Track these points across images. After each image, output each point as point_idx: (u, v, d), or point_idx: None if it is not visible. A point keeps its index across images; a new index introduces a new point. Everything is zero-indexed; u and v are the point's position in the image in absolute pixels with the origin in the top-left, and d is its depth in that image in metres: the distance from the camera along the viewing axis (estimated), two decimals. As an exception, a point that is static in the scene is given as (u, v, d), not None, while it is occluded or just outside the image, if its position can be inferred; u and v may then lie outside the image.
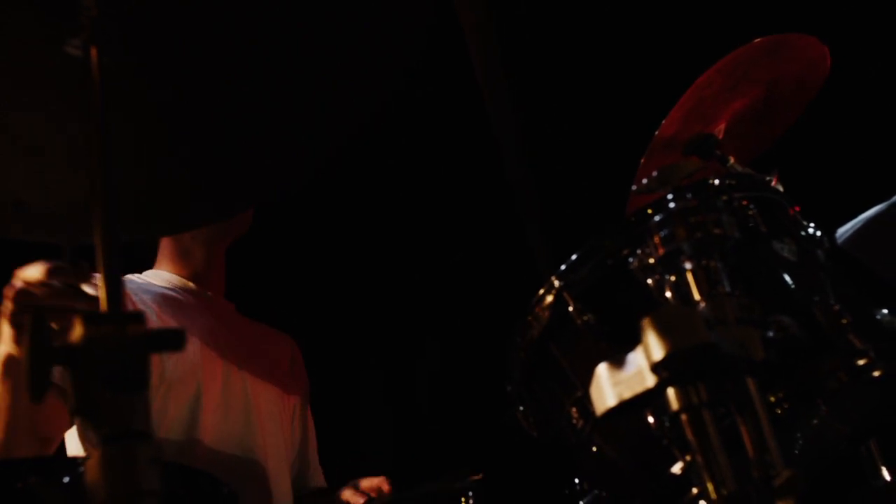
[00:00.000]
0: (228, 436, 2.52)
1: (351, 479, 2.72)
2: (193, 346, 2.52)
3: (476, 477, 2.10)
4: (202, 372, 2.50)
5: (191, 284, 2.74)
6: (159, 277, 2.74)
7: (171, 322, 2.52)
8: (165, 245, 2.79)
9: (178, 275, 2.74)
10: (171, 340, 0.94)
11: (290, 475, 2.70)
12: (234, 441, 2.53)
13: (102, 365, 0.91)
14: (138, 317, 0.94)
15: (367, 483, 2.63)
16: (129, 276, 2.74)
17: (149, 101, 1.38)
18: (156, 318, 2.53)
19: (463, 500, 2.07)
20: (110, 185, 1.05)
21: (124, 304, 2.47)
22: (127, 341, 0.92)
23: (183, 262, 2.76)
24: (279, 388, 2.74)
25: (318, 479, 2.84)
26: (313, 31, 1.40)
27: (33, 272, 1.81)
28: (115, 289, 0.98)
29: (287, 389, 2.77)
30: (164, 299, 2.63)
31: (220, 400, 2.52)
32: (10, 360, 1.92)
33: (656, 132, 2.29)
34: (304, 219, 3.86)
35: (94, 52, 1.17)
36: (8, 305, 1.84)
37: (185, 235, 2.74)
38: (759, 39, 2.24)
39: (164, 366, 2.42)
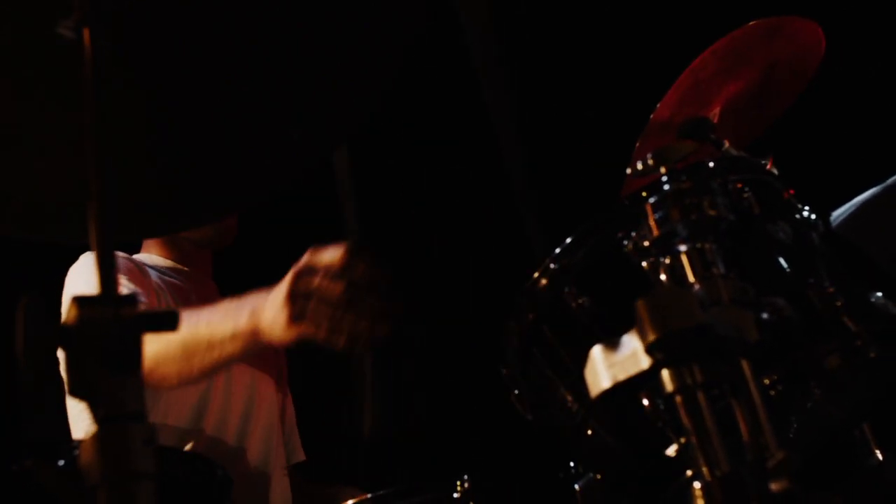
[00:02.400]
0: (230, 423, 2.54)
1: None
2: None
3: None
4: None
5: (184, 268, 2.75)
6: (152, 261, 2.75)
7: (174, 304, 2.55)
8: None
9: (169, 259, 2.77)
10: (165, 322, 0.94)
11: (284, 457, 2.71)
12: (234, 427, 2.55)
13: (97, 346, 0.91)
14: (131, 299, 0.94)
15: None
16: (134, 256, 2.75)
17: (139, 100, 1.37)
18: (169, 299, 2.55)
19: (458, 483, 2.07)
20: (104, 167, 1.05)
21: (144, 279, 2.48)
22: (120, 323, 0.92)
23: (169, 250, 2.79)
24: (275, 372, 2.78)
25: (298, 453, 2.86)
26: (309, 30, 1.39)
27: (326, 262, 1.83)
28: (109, 271, 0.98)
29: (279, 373, 2.82)
30: (169, 283, 2.65)
31: (224, 387, 2.54)
32: (261, 338, 1.94)
33: (652, 115, 2.28)
34: (296, 207, 3.85)
35: (86, 33, 1.16)
36: (290, 289, 1.85)
37: (176, 235, 2.77)
38: (755, 22, 2.24)
39: None
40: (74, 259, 2.51)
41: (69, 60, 1.17)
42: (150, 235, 2.60)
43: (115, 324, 0.92)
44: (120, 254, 2.69)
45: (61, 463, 1.35)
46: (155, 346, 2.05)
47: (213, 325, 2.09)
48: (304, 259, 1.90)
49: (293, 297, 1.88)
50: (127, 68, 1.32)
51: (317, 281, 1.86)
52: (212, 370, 2.17)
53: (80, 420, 2.43)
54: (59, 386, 0.95)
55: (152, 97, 1.38)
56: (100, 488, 0.90)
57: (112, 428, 0.92)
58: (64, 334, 0.91)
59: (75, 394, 0.91)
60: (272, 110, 1.44)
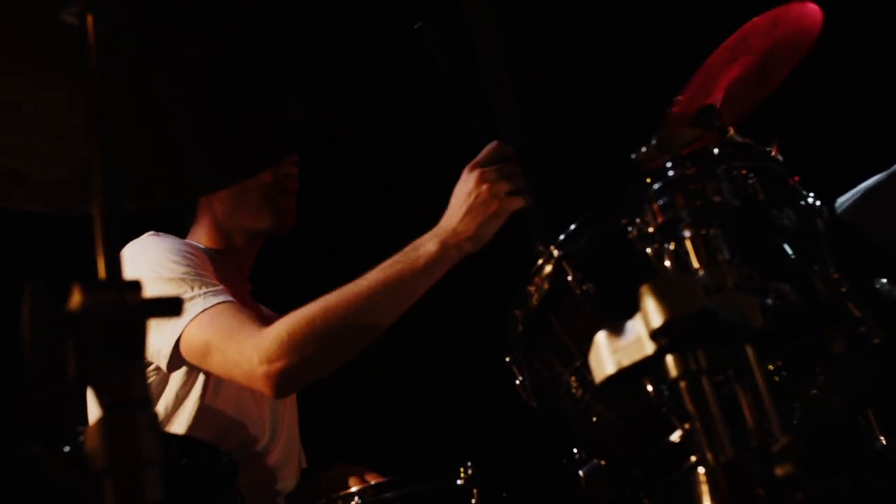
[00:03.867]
0: (239, 413, 2.54)
1: (338, 462, 2.75)
2: None
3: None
4: None
5: (220, 257, 2.73)
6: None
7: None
8: (205, 221, 2.77)
9: (213, 248, 2.73)
10: (169, 308, 0.94)
11: (297, 456, 2.72)
12: (242, 418, 2.55)
13: (101, 332, 0.91)
14: (136, 285, 0.94)
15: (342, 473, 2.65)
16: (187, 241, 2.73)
17: (147, 68, 1.37)
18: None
19: (462, 470, 2.08)
20: (108, 153, 1.05)
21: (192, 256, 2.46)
22: (125, 308, 0.92)
23: (219, 238, 2.76)
24: None
25: (302, 458, 2.87)
26: (308, 12, 1.40)
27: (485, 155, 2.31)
28: (114, 256, 0.98)
29: None
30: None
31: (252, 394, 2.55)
32: (454, 249, 2.30)
33: (672, 108, 2.27)
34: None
35: (90, 19, 1.16)
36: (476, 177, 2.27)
37: (228, 221, 2.73)
38: (757, 18, 2.23)
39: None
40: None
41: (77, 42, 1.17)
42: (161, 203, 2.56)
43: (119, 309, 0.92)
44: (180, 240, 2.67)
45: (66, 449, 1.35)
46: (339, 317, 2.23)
47: (399, 270, 2.29)
48: (473, 163, 2.32)
49: (479, 181, 2.27)
50: (132, 41, 1.32)
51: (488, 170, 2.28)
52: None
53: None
54: (65, 372, 0.95)
55: (158, 66, 1.38)
56: (105, 475, 0.90)
57: (117, 414, 0.92)
58: (69, 320, 0.91)
59: (80, 380, 0.91)
60: (272, 88, 1.45)
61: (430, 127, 4.11)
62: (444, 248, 2.29)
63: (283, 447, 2.66)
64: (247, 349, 2.24)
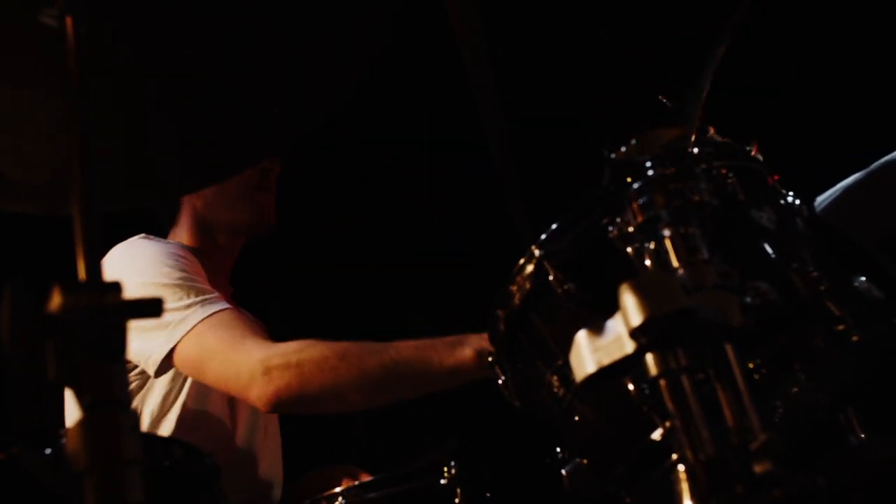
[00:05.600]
0: (208, 418, 2.53)
1: (327, 464, 2.75)
2: None
3: (456, 447, 2.12)
4: None
5: (205, 259, 2.73)
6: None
7: None
8: (186, 218, 2.77)
9: (195, 247, 2.72)
10: (149, 308, 0.94)
11: (280, 464, 2.71)
12: (214, 421, 2.54)
13: (81, 333, 0.91)
14: (116, 286, 0.94)
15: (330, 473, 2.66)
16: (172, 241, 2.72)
17: (129, 68, 1.37)
18: None
19: (446, 469, 2.08)
20: (88, 154, 1.05)
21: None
22: (105, 310, 0.92)
23: (200, 238, 2.75)
24: None
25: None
26: (291, 13, 1.40)
27: None
28: (94, 258, 0.98)
29: None
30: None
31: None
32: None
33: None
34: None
35: (69, 21, 1.16)
36: None
37: (209, 216, 2.73)
38: None
39: None
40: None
41: (57, 44, 1.17)
42: (144, 202, 2.56)
43: (100, 311, 0.92)
44: (172, 243, 2.67)
45: (48, 451, 1.35)
46: (352, 371, 2.19)
47: (428, 357, 2.22)
48: None
49: None
50: (111, 41, 1.32)
51: None
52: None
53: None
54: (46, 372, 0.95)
55: (139, 65, 1.38)
56: (87, 475, 0.90)
57: (98, 415, 0.92)
58: (49, 321, 0.91)
59: (61, 381, 0.91)
60: (255, 88, 1.45)
61: (413, 130, 4.11)
62: (480, 358, 2.21)
63: (268, 455, 2.65)
64: (251, 360, 2.23)
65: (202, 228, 2.75)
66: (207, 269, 2.64)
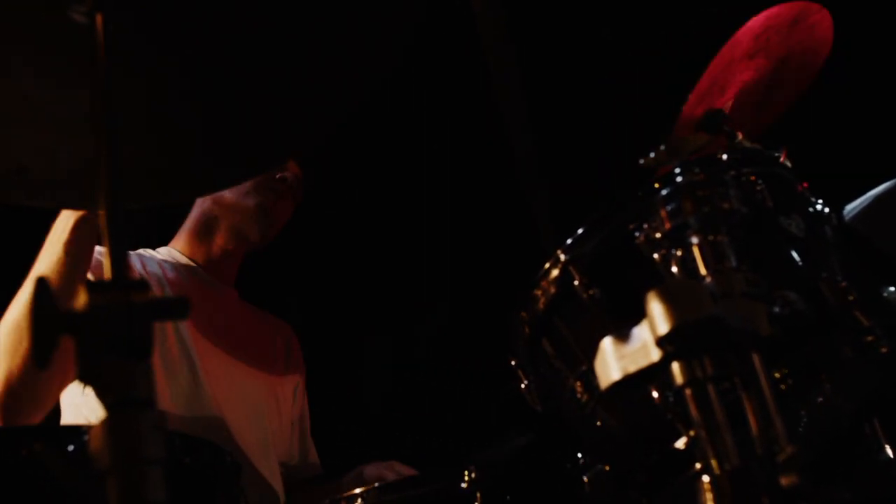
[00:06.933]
0: (197, 416, 2.53)
1: (358, 465, 2.74)
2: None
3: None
4: (194, 353, 2.52)
5: (194, 265, 2.74)
6: (170, 256, 2.76)
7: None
8: (191, 222, 2.79)
9: (190, 256, 2.75)
10: (175, 309, 0.93)
11: (274, 462, 2.69)
12: (202, 421, 2.53)
13: (107, 332, 0.91)
14: (142, 284, 0.94)
15: (374, 470, 2.65)
16: (139, 251, 2.75)
17: (157, 66, 1.37)
18: (169, 293, 2.55)
19: (466, 473, 2.07)
20: (114, 152, 1.05)
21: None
22: (131, 309, 0.92)
23: (200, 244, 2.77)
24: (267, 374, 2.76)
25: (312, 454, 2.87)
26: (314, 13, 1.40)
27: None
28: (120, 256, 0.98)
29: (279, 376, 2.81)
30: (170, 278, 2.65)
31: (192, 381, 2.53)
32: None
33: (683, 107, 2.25)
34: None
35: (99, 18, 1.16)
36: None
37: (218, 221, 2.74)
38: (779, 7, 2.21)
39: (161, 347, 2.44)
40: None
41: (84, 37, 1.17)
42: (172, 200, 2.56)
43: (125, 310, 0.92)
44: (148, 255, 2.70)
45: (70, 448, 1.35)
46: None
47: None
48: None
49: None
50: (141, 39, 1.32)
51: None
52: None
53: (72, 407, 2.42)
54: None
55: (167, 64, 1.38)
56: (109, 474, 0.90)
57: (122, 414, 0.91)
58: (74, 319, 0.91)
59: (84, 379, 0.91)
60: (278, 88, 1.45)
61: (438, 135, 4.11)
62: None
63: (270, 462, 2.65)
64: None
65: (205, 231, 2.77)
66: (204, 274, 2.71)
